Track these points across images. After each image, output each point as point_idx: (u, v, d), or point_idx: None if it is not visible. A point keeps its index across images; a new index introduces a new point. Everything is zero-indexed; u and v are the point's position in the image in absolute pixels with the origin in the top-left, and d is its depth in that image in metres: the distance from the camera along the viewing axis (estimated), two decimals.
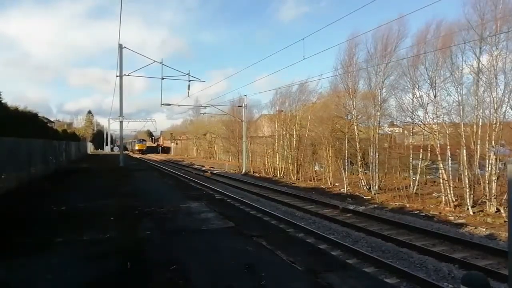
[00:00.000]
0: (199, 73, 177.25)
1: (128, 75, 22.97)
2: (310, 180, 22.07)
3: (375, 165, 17.00)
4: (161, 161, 47.07)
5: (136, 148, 75.16)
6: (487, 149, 12.32)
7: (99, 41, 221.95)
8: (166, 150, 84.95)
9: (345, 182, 17.79)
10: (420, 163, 15.60)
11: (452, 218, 11.32)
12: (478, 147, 12.54)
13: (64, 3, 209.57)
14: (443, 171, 13.86)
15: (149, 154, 69.66)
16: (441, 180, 13.86)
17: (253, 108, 35.54)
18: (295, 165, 24.89)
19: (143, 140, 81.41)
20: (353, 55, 18.88)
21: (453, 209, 12.53)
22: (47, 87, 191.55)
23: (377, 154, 17.16)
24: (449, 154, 13.82)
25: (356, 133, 18.59)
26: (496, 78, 12.08)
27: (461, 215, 11.77)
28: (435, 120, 14.47)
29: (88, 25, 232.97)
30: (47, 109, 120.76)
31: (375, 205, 13.59)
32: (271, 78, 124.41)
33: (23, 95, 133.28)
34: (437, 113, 14.30)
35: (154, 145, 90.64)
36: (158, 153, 78.20)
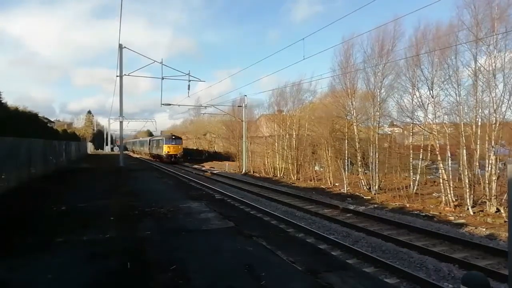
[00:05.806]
0: (206, 74, 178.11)
1: (128, 75, 22.90)
2: (310, 180, 22.07)
3: (375, 165, 17.00)
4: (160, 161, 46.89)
5: (165, 151, 40.05)
6: (487, 149, 12.32)
7: (105, 41, 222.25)
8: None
9: (345, 182, 17.78)
10: (420, 163, 15.61)
11: (452, 218, 11.33)
12: (478, 147, 12.54)
13: (70, 3, 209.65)
14: (443, 171, 13.86)
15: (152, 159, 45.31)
16: (441, 180, 13.87)
17: (254, 108, 35.56)
18: (295, 165, 24.90)
19: (178, 137, 43.04)
20: (350, 55, 18.96)
21: (453, 209, 12.54)
22: (52, 87, 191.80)
23: (377, 154, 17.16)
24: (449, 154, 13.82)
25: (356, 133, 18.59)
26: (495, 78, 12.08)
27: (461, 215, 11.77)
28: (435, 120, 14.49)
29: (94, 24, 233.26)
30: (50, 109, 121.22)
31: (375, 205, 13.59)
32: (275, 78, 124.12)
33: (27, 95, 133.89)
34: (437, 113, 14.32)
35: None
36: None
